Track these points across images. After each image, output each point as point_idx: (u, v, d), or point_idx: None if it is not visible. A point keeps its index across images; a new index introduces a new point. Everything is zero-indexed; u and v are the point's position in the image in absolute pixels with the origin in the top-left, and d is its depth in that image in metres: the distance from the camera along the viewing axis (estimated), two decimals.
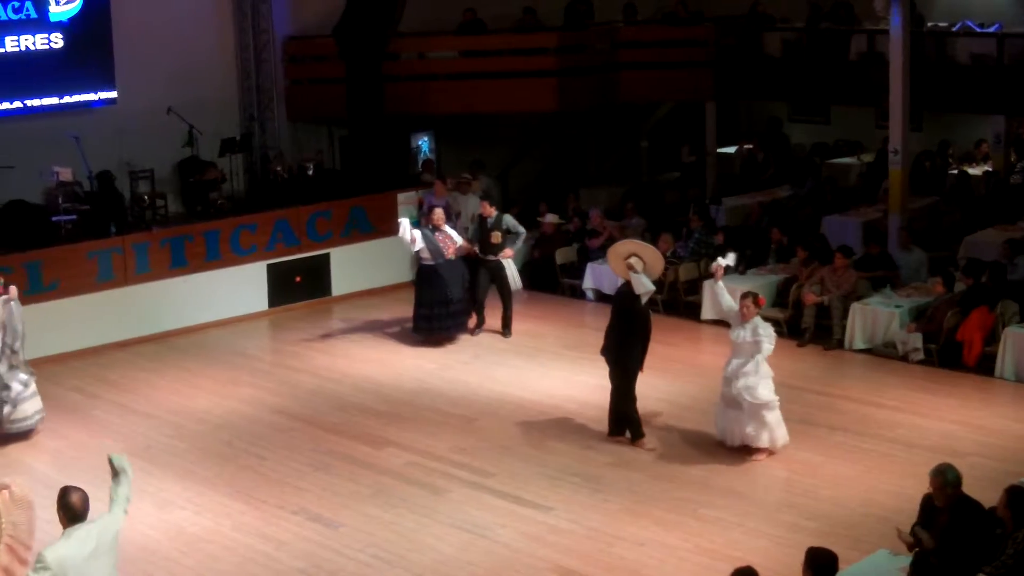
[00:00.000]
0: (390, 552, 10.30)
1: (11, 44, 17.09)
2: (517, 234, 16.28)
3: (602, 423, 12.68)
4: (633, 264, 12.21)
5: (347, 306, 17.78)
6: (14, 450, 12.67)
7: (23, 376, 12.73)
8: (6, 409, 12.64)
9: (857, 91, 19.84)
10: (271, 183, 19.22)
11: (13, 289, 12.68)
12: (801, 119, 24.17)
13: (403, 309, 16.66)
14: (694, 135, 22.57)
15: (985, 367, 14.26)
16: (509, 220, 16.27)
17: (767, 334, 11.75)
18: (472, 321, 16.18)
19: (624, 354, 12.29)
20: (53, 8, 17.41)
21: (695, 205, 18.84)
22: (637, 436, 12.36)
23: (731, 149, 23.14)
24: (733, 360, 11.86)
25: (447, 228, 15.76)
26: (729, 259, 12.93)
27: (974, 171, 20.93)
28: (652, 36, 21.49)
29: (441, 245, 15.53)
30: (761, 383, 11.75)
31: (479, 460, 12.13)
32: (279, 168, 19.29)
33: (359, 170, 19.52)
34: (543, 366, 14.95)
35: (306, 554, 10.32)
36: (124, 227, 17.07)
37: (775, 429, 11.84)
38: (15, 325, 12.57)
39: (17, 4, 17.07)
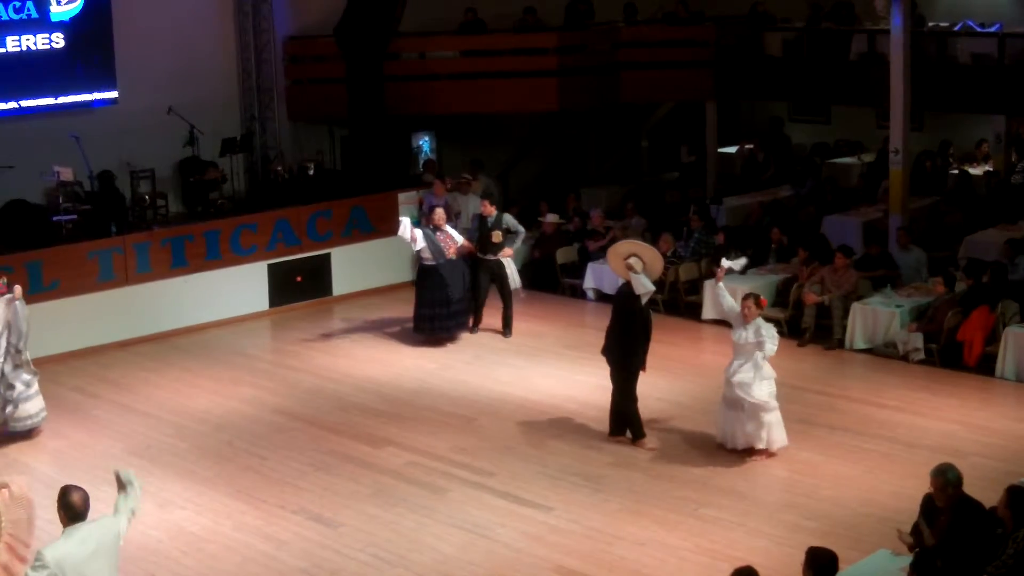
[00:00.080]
0: (390, 552, 10.30)
1: (12, 44, 17.10)
2: (516, 233, 16.29)
3: (602, 423, 12.69)
4: (632, 264, 12.21)
5: (348, 306, 17.79)
6: (15, 450, 12.68)
7: (26, 376, 12.75)
8: (8, 408, 12.66)
9: (858, 91, 19.84)
10: (272, 183, 19.22)
11: (18, 288, 12.70)
12: (802, 119, 24.17)
13: (404, 309, 16.67)
14: (694, 135, 22.57)
15: (986, 367, 14.26)
16: (509, 219, 16.28)
17: (770, 335, 11.72)
18: (472, 320, 16.20)
19: (625, 354, 12.29)
20: (54, 8, 17.41)
21: (696, 205, 18.83)
22: (638, 436, 12.37)
23: (732, 149, 23.13)
24: (735, 362, 11.84)
25: (448, 228, 15.77)
26: (737, 264, 12.89)
27: (975, 171, 20.93)
28: (653, 36, 21.49)
29: (442, 245, 15.54)
30: (762, 383, 11.73)
31: (479, 460, 12.13)
32: (280, 168, 19.30)
33: (360, 170, 19.52)
34: (544, 366, 14.96)
35: (306, 554, 10.32)
36: (125, 227, 17.07)
37: (774, 430, 11.82)
38: (20, 325, 12.60)
39: (18, 4, 17.07)
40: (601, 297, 17.15)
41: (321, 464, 12.16)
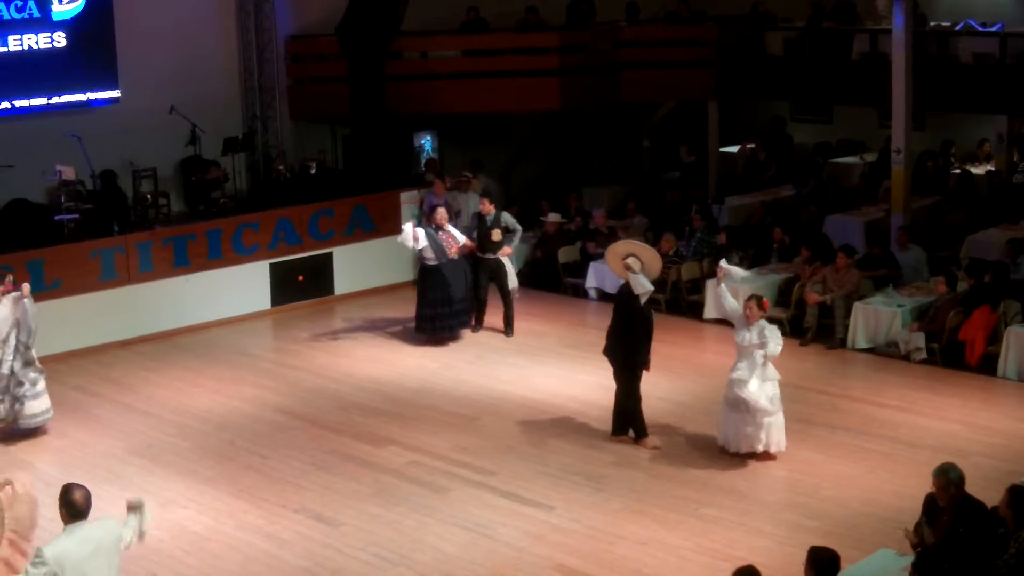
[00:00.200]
0: (392, 551, 10.30)
1: (14, 43, 17.09)
2: (514, 231, 16.31)
3: (604, 422, 12.68)
4: (631, 264, 12.20)
5: (350, 305, 17.79)
6: (16, 449, 12.70)
7: (33, 374, 12.77)
8: (16, 405, 12.71)
9: (859, 91, 19.83)
10: (274, 182, 19.22)
11: (26, 287, 12.74)
12: (804, 119, 24.16)
13: (406, 308, 16.67)
14: (695, 135, 22.56)
15: (987, 367, 14.26)
16: (507, 217, 16.30)
17: (774, 336, 11.67)
18: (474, 320, 16.21)
19: (628, 353, 12.29)
20: (56, 7, 17.40)
21: (697, 205, 18.83)
22: (641, 435, 12.36)
23: (733, 148, 23.12)
24: (739, 364, 11.78)
25: (450, 227, 15.77)
26: (738, 274, 12.77)
27: (977, 171, 20.91)
28: (654, 35, 21.49)
29: (444, 244, 15.54)
30: (764, 385, 11.67)
31: (481, 459, 12.14)
32: (282, 167, 19.30)
33: (362, 169, 19.52)
34: (545, 365, 14.96)
35: (308, 553, 10.32)
36: (127, 226, 17.07)
37: (773, 433, 11.78)
38: (29, 322, 12.66)
39: (20, 3, 17.06)
40: (603, 297, 17.15)
41: (323, 463, 12.16)
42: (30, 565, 7.10)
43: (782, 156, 22.57)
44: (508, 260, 16.19)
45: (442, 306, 15.57)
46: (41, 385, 12.86)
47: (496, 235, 16.01)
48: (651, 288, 12.26)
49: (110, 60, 18.00)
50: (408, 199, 18.49)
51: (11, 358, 12.63)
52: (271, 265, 17.45)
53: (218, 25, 19.68)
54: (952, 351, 14.51)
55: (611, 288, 16.17)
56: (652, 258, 12.39)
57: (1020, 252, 15.80)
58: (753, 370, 11.64)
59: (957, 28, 19.65)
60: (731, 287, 12.25)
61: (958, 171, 20.74)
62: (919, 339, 14.62)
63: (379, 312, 17.32)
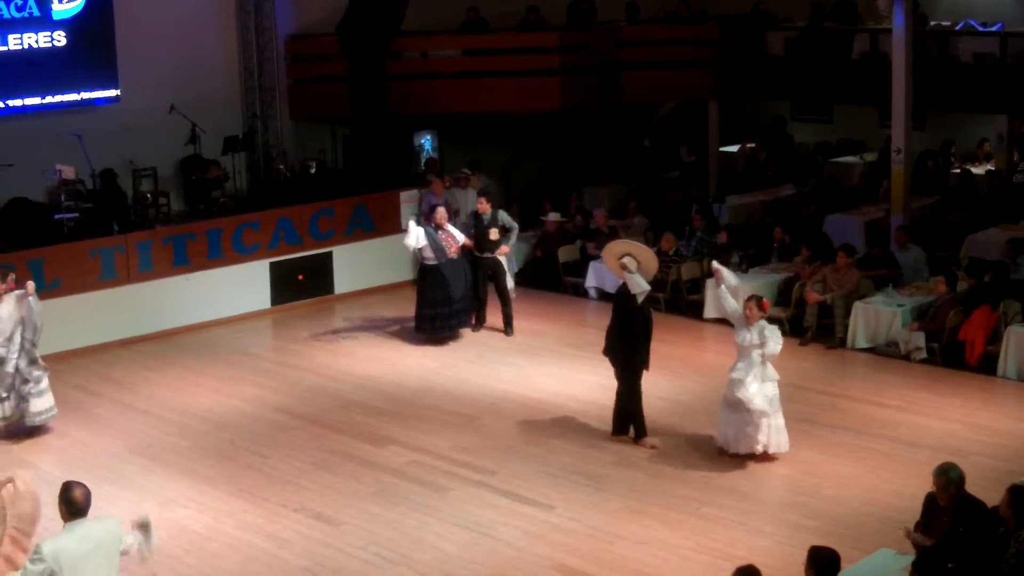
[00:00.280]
0: (392, 551, 10.30)
1: (14, 42, 17.08)
2: (511, 229, 16.32)
3: (604, 422, 12.68)
4: (627, 264, 12.19)
5: (350, 304, 17.80)
6: (17, 448, 12.69)
7: (37, 372, 12.80)
8: (22, 404, 12.74)
9: (860, 90, 19.84)
10: (274, 181, 19.22)
11: (31, 284, 12.77)
12: (804, 118, 24.16)
13: (406, 307, 16.68)
14: (695, 134, 22.56)
15: (987, 367, 14.26)
16: (504, 216, 16.32)
17: (774, 336, 11.65)
18: (474, 319, 16.22)
19: (628, 353, 12.28)
20: (56, 6, 17.40)
21: (698, 204, 18.83)
22: (641, 434, 12.36)
23: (733, 148, 23.13)
24: (738, 364, 11.75)
25: (449, 227, 15.77)
26: (731, 279, 12.65)
27: (977, 170, 20.91)
28: (655, 35, 21.49)
29: (444, 244, 15.54)
30: (764, 385, 11.64)
31: (481, 459, 12.13)
32: (282, 166, 19.30)
33: (362, 169, 19.52)
34: (545, 365, 14.96)
35: (308, 552, 10.32)
36: (127, 225, 17.07)
37: (774, 435, 11.75)
38: (35, 320, 12.69)
39: (20, 2, 17.05)
40: (603, 296, 17.15)
41: (323, 463, 12.16)
42: (28, 561, 7.14)
43: (782, 156, 22.58)
44: (505, 259, 16.21)
45: (442, 306, 15.57)
46: (45, 383, 12.88)
47: (493, 234, 16.02)
48: (647, 288, 12.24)
49: (110, 59, 17.99)
50: (408, 199, 18.49)
51: (16, 356, 12.67)
52: (271, 264, 17.45)
53: (218, 24, 19.68)
54: (952, 351, 14.51)
55: (611, 288, 16.16)
56: (648, 258, 12.38)
57: (1020, 252, 15.81)
58: (752, 370, 11.62)
59: (957, 28, 19.66)
60: (731, 288, 12.23)
61: (958, 171, 20.75)
62: (919, 339, 14.62)
63: (379, 311, 17.32)
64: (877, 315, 15.12)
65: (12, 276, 13.04)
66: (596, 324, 15.23)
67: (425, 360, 15.25)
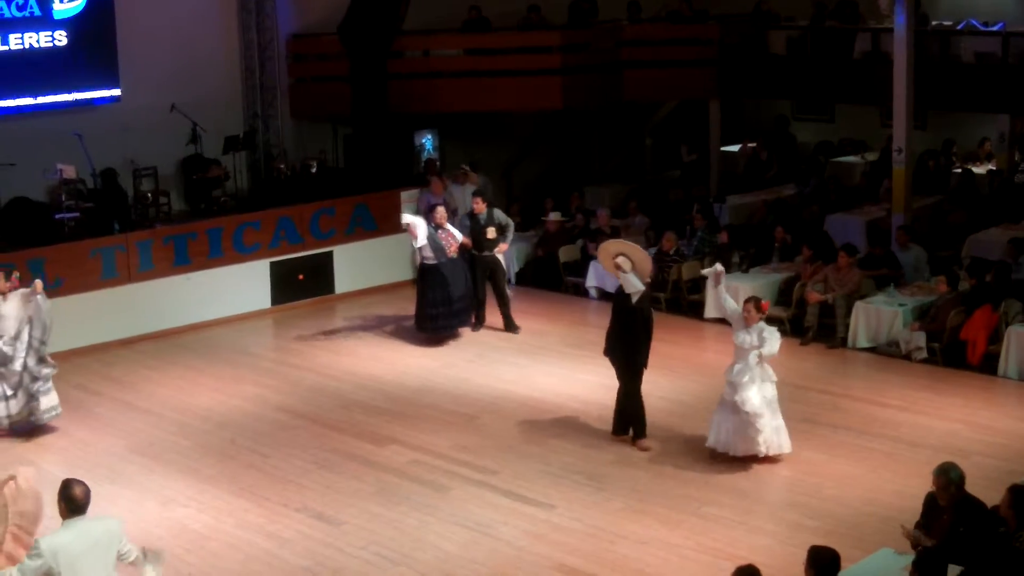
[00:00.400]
0: (393, 550, 10.30)
1: (15, 42, 17.08)
2: (507, 226, 16.33)
3: (605, 421, 12.68)
4: (621, 264, 12.17)
5: (350, 304, 17.79)
6: (18, 447, 12.70)
7: (46, 370, 12.82)
8: (32, 402, 12.77)
9: (861, 90, 19.83)
10: (274, 181, 19.22)
11: (38, 283, 12.79)
12: (805, 118, 24.16)
13: (406, 307, 16.67)
14: (697, 134, 22.56)
15: (989, 366, 14.25)
16: (499, 214, 16.34)
17: (772, 337, 11.60)
18: (474, 318, 16.22)
19: (628, 353, 12.27)
20: (57, 6, 17.40)
21: (699, 204, 18.83)
22: (639, 435, 12.34)
23: (735, 148, 23.12)
24: (736, 365, 11.71)
25: (449, 226, 15.78)
26: (711, 271, 12.55)
27: (978, 170, 20.91)
28: (656, 34, 21.48)
29: (444, 243, 15.54)
30: (763, 386, 11.59)
31: (482, 458, 12.13)
32: (282, 166, 19.30)
33: (363, 168, 19.52)
34: (546, 364, 14.95)
35: (309, 552, 10.32)
36: (127, 225, 17.06)
37: (775, 437, 11.72)
38: (44, 319, 12.71)
39: (21, 2, 17.05)
40: (604, 296, 17.13)
41: (324, 462, 12.16)
42: (27, 557, 7.18)
43: (784, 155, 22.58)
44: (503, 258, 16.22)
45: (442, 305, 15.57)
46: (50, 381, 12.90)
47: (491, 232, 16.05)
48: (642, 288, 12.19)
49: (111, 59, 17.98)
50: (408, 198, 18.48)
51: (24, 355, 12.70)
52: (272, 264, 17.45)
53: (219, 24, 19.67)
54: (953, 350, 14.50)
55: (612, 287, 16.12)
56: (642, 258, 12.35)
57: (1021, 251, 15.80)
58: (750, 372, 11.58)
59: (959, 27, 19.65)
60: (732, 285, 12.19)
61: (959, 170, 20.74)
62: (920, 338, 14.61)
63: (380, 311, 17.32)
64: (878, 315, 15.11)
65: (16, 274, 13.07)
66: (597, 324, 15.21)
67: (426, 360, 15.24)
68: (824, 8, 21.27)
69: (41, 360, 12.79)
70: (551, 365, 14.91)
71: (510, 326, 16.15)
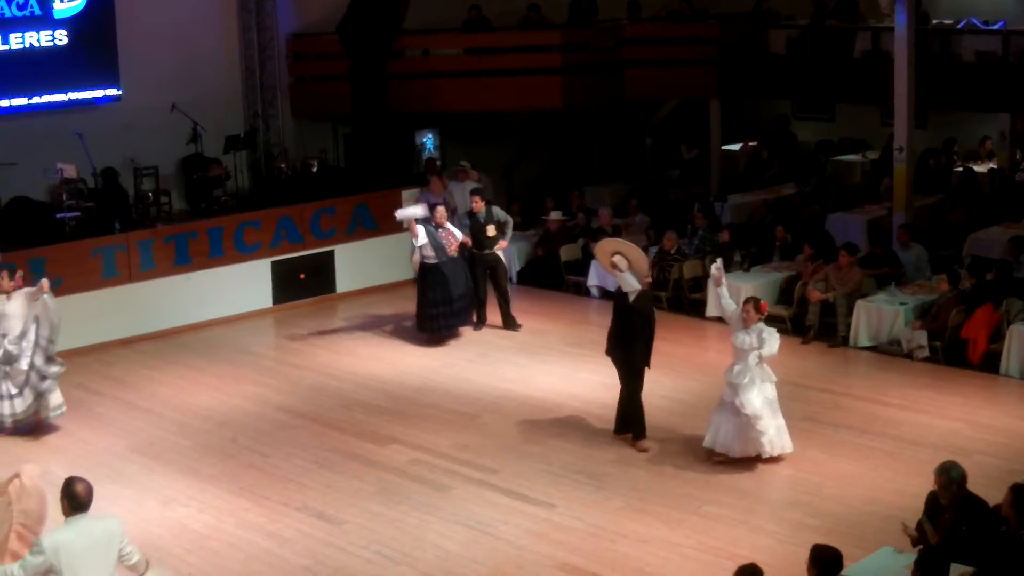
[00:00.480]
0: (394, 549, 10.29)
1: (15, 41, 17.07)
2: (506, 223, 16.33)
3: (605, 421, 12.68)
4: (617, 263, 12.15)
5: (351, 303, 17.79)
6: (19, 446, 12.69)
7: (54, 369, 12.84)
8: (41, 400, 12.80)
9: (862, 89, 19.82)
10: (275, 180, 19.21)
11: (45, 282, 12.81)
12: (806, 117, 24.15)
13: (407, 306, 16.67)
14: (696, 133, 22.55)
15: (990, 365, 14.25)
16: (498, 212, 16.36)
17: (772, 338, 11.55)
18: (474, 317, 16.22)
19: (628, 352, 12.26)
20: (57, 5, 17.38)
21: (700, 203, 18.82)
22: (638, 436, 12.32)
23: (735, 147, 23.11)
24: (735, 366, 11.66)
25: (449, 225, 15.78)
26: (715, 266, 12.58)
27: (979, 169, 20.90)
28: (656, 33, 21.47)
29: (444, 242, 15.54)
30: (763, 386, 11.57)
31: (483, 457, 12.13)
32: (283, 165, 19.29)
33: (363, 167, 19.52)
34: (547, 363, 14.95)
35: (310, 551, 10.32)
36: (128, 224, 17.05)
37: (777, 438, 11.71)
38: (52, 318, 12.75)
39: (21, 1, 17.04)
40: (605, 295, 17.12)
41: (324, 461, 12.16)
42: (28, 554, 7.18)
43: (784, 154, 22.58)
44: (504, 256, 16.23)
45: (443, 305, 15.56)
46: (55, 380, 12.93)
47: (491, 230, 16.07)
48: (638, 287, 12.16)
49: (111, 58, 17.97)
50: (409, 197, 18.46)
51: (30, 354, 12.70)
52: (273, 263, 17.45)
53: (219, 23, 19.66)
54: (954, 349, 14.50)
55: (613, 286, 16.10)
56: (638, 258, 12.32)
57: (1022, 250, 15.80)
58: (749, 372, 11.55)
59: (959, 26, 19.63)
60: (733, 285, 12.18)
61: (960, 169, 20.73)
62: (921, 337, 14.61)
63: (381, 310, 17.31)
64: (879, 314, 15.10)
65: (20, 273, 13.08)
66: (598, 323, 15.22)
67: (426, 359, 15.24)
68: (824, 7, 21.25)
69: (49, 359, 12.81)
70: (552, 364, 14.90)
71: (509, 323, 16.15)
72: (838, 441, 12.34)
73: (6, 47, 17.00)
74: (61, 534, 7.19)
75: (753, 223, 19.22)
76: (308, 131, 20.44)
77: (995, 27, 19.36)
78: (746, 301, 11.76)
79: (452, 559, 10.12)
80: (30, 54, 17.23)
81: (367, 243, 18.27)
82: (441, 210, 15.86)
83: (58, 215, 16.56)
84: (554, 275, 18.36)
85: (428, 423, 13.10)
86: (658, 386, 13.30)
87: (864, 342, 15.13)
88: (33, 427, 12.97)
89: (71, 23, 17.56)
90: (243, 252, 17.17)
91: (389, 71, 19.73)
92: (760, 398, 11.53)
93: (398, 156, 19.89)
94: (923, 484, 9.38)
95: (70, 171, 16.59)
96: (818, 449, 12.10)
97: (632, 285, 12.11)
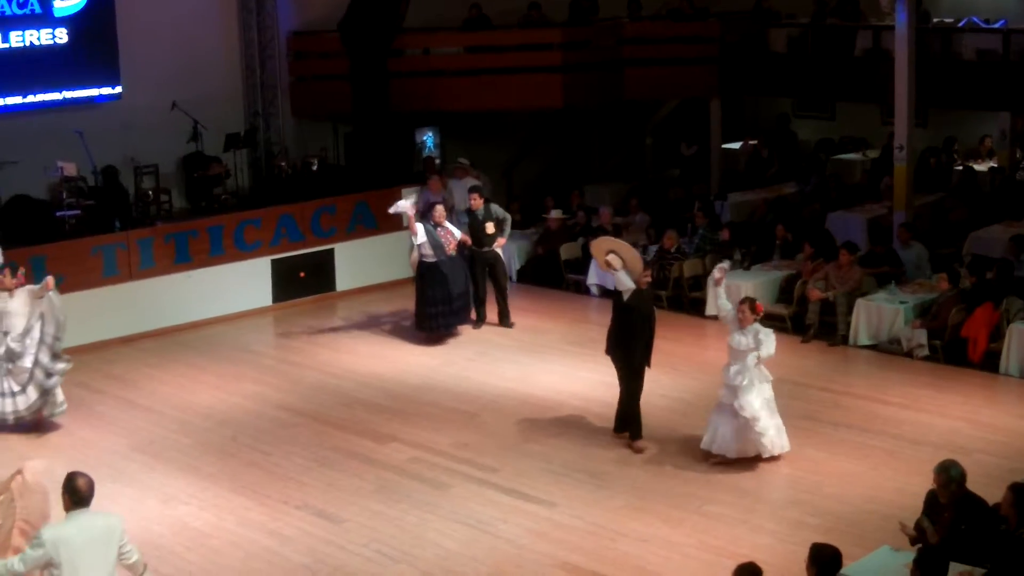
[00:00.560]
0: (394, 547, 10.30)
1: (16, 39, 17.07)
2: (504, 220, 16.34)
3: (605, 419, 12.67)
4: (611, 261, 12.13)
5: (351, 302, 17.79)
6: (19, 445, 12.69)
7: (60, 366, 12.86)
8: (47, 397, 12.85)
9: (862, 87, 19.81)
10: (275, 179, 19.21)
11: (50, 279, 12.85)
12: (806, 115, 24.15)
13: (407, 305, 16.66)
14: (697, 132, 22.53)
15: (990, 364, 14.25)
16: (496, 209, 16.37)
17: (768, 339, 11.51)
18: (473, 315, 16.22)
19: (628, 352, 12.25)
20: (58, 3, 17.37)
21: (700, 201, 18.82)
22: (636, 436, 12.30)
23: (736, 145, 23.11)
24: (732, 367, 11.62)
25: (448, 224, 15.78)
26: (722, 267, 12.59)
27: (980, 167, 20.90)
28: (657, 32, 21.45)
29: (443, 241, 15.55)
30: (761, 387, 11.55)
31: (483, 456, 12.13)
32: (284, 164, 19.29)
33: (364, 166, 19.51)
34: (547, 362, 14.95)
35: (310, 549, 10.32)
36: (128, 222, 17.05)
37: (775, 438, 11.68)
38: (57, 315, 12.78)
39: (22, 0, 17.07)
40: (605, 293, 17.10)
41: (324, 460, 12.16)
42: (29, 547, 7.20)
43: (785, 153, 22.57)
44: (503, 254, 16.24)
45: (442, 304, 15.56)
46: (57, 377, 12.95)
47: (490, 228, 16.08)
48: (632, 286, 12.13)
49: (112, 56, 17.97)
50: (408, 195, 18.43)
51: (34, 351, 12.71)
52: (273, 261, 17.45)
53: (220, 22, 19.66)
54: (954, 348, 14.50)
55: (612, 285, 16.13)
56: (632, 257, 12.30)
57: (1022, 249, 15.79)
58: (748, 374, 11.53)
59: (960, 25, 19.62)
60: (732, 284, 12.17)
61: (961, 168, 20.73)
62: (921, 336, 14.61)
63: (381, 308, 17.31)
64: (879, 312, 15.10)
65: (22, 271, 13.08)
66: (598, 321, 15.21)
67: (426, 357, 15.24)
68: (825, 5, 21.25)
69: (56, 356, 12.82)
70: (552, 363, 14.90)
71: (505, 320, 16.15)
72: (838, 440, 12.34)
73: (6, 45, 17.00)
74: (62, 528, 7.21)
75: (753, 222, 19.22)
76: (308, 129, 20.44)
77: (996, 26, 19.38)
78: (742, 302, 11.74)
79: (452, 557, 10.13)
80: (30, 52, 17.23)
81: (367, 241, 18.27)
82: (439, 209, 15.85)
83: (58, 213, 16.56)
84: (554, 274, 18.37)
85: (428, 421, 13.10)
86: (658, 385, 13.30)
87: (864, 341, 15.13)
88: (34, 425, 12.97)
89: (71, 21, 17.56)
90: (243, 250, 17.17)
91: (389, 70, 19.73)
92: (759, 399, 11.52)
93: (398, 155, 19.89)
94: (923, 483, 9.38)
95: (70, 169, 16.60)
96: (818, 448, 12.11)
97: (626, 284, 12.10)
